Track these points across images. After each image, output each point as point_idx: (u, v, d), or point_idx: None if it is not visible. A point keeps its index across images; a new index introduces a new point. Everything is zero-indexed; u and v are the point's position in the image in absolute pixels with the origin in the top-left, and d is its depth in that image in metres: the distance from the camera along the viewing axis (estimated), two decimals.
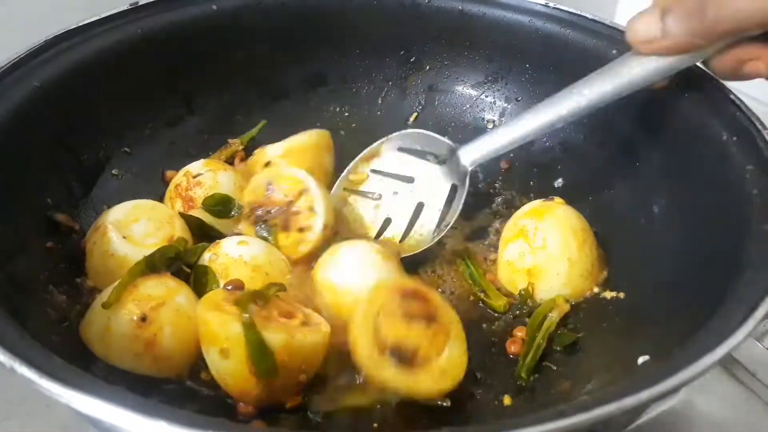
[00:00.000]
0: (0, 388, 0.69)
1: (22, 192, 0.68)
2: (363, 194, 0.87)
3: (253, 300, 0.61)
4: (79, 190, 0.78)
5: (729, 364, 0.77)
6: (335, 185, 0.87)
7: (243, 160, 0.93)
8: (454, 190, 0.83)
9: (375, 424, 0.62)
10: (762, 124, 0.66)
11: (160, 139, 0.89)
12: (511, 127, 0.76)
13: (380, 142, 0.87)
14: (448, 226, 0.81)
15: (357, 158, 0.87)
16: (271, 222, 0.78)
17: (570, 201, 0.83)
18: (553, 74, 0.91)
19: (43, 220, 0.71)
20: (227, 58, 0.93)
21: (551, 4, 0.90)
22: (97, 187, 0.80)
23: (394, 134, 0.87)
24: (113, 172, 0.83)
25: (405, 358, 0.60)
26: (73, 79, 0.76)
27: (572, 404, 0.41)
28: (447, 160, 0.83)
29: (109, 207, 0.79)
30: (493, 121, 0.99)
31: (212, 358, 0.60)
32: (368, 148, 0.87)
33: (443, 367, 0.61)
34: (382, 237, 0.84)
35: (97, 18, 0.81)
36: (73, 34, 0.78)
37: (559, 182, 0.90)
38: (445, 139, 0.84)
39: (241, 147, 0.94)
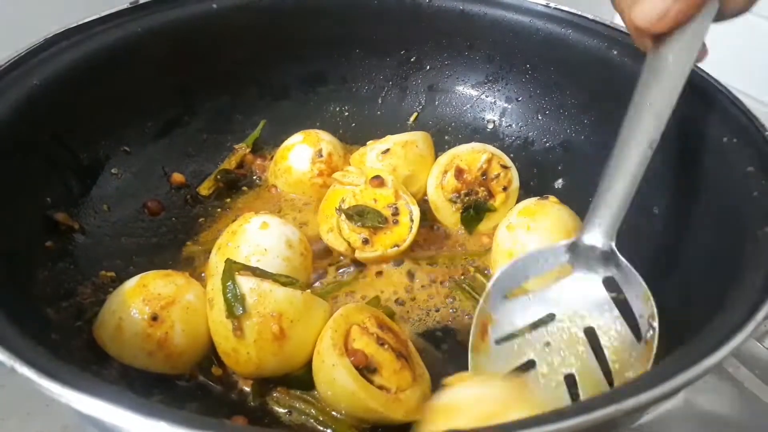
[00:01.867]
0: (0, 388, 0.69)
1: (22, 191, 0.68)
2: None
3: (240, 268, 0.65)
4: (79, 189, 0.78)
5: (729, 364, 0.77)
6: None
7: (251, 162, 0.94)
8: (611, 283, 0.63)
9: None
10: (762, 124, 0.66)
11: (159, 139, 0.89)
12: (619, 171, 0.62)
13: (480, 309, 0.64)
14: (655, 326, 0.59)
15: (470, 340, 0.63)
16: (478, 197, 0.85)
17: (570, 201, 0.83)
18: (553, 74, 0.91)
19: (42, 219, 0.71)
20: (227, 57, 0.93)
21: (552, 5, 0.90)
22: (97, 186, 0.80)
23: (490, 283, 0.65)
24: (113, 171, 0.83)
25: (364, 368, 0.60)
26: (72, 78, 0.76)
27: (571, 406, 0.41)
28: (575, 259, 0.64)
29: (109, 206, 0.79)
30: (494, 121, 0.99)
31: (211, 319, 0.64)
32: (473, 324, 0.63)
33: (401, 399, 0.60)
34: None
35: (97, 17, 0.80)
36: (72, 33, 0.78)
37: (559, 182, 0.90)
38: (555, 247, 0.64)
39: (248, 150, 0.94)
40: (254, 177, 0.94)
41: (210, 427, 0.40)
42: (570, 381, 0.61)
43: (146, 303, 0.63)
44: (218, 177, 0.91)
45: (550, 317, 0.63)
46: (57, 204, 0.73)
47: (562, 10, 0.89)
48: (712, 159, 0.68)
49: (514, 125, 0.97)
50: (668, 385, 0.43)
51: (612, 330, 0.61)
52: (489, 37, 0.94)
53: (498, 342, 0.63)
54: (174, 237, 0.83)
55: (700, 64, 0.75)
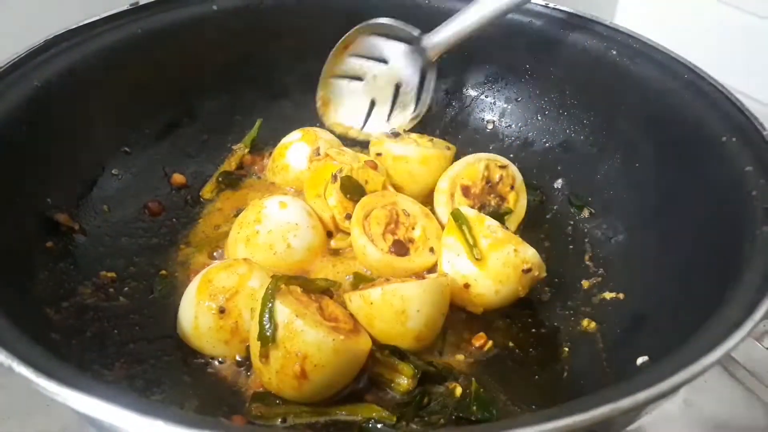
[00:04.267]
0: (0, 388, 0.69)
1: (22, 191, 0.68)
2: (347, 78, 0.96)
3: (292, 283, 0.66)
4: (79, 190, 0.78)
5: (729, 364, 0.77)
6: (321, 75, 0.94)
7: (250, 162, 0.94)
8: (424, 75, 0.93)
9: None
10: (761, 124, 0.66)
11: (159, 139, 0.89)
12: (468, 12, 0.85)
13: (353, 30, 0.92)
14: (425, 108, 0.93)
15: (336, 46, 0.93)
16: (492, 206, 0.85)
17: (570, 201, 0.84)
18: (553, 75, 0.91)
19: (43, 220, 0.71)
20: (227, 57, 0.93)
21: (551, 5, 0.90)
22: (97, 187, 0.80)
23: (364, 23, 0.92)
24: (113, 171, 0.83)
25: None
26: (73, 79, 0.76)
27: (570, 405, 0.41)
28: (414, 43, 0.92)
29: (109, 207, 0.79)
30: (493, 122, 0.99)
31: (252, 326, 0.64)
32: (343, 37, 0.92)
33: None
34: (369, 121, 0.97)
35: (98, 18, 0.81)
36: (73, 34, 0.78)
37: (559, 182, 0.90)
38: (409, 27, 0.91)
39: (246, 150, 0.95)
40: (254, 176, 0.94)
41: (208, 426, 0.40)
42: (372, 105, 0.98)
43: (212, 298, 0.67)
44: (219, 179, 0.91)
45: (385, 61, 0.95)
46: (57, 205, 0.73)
47: (562, 11, 0.89)
48: (712, 158, 0.68)
49: (513, 126, 0.97)
50: (666, 383, 0.43)
51: (408, 93, 0.96)
52: (488, 37, 0.94)
53: (352, 56, 0.95)
54: (174, 237, 0.83)
55: (700, 64, 0.75)
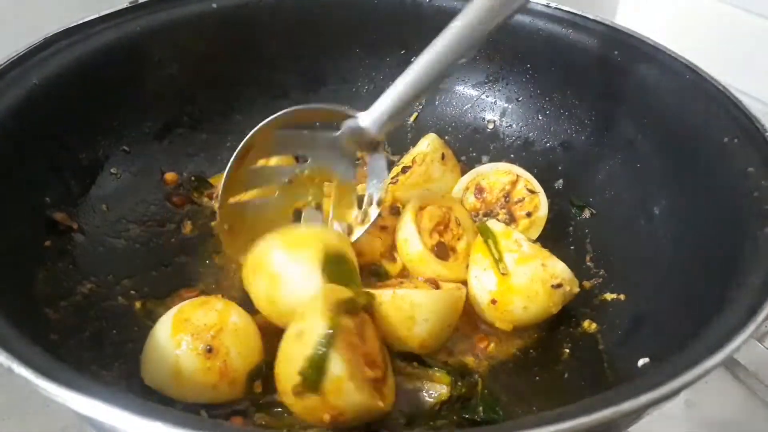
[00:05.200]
0: (0, 388, 0.69)
1: (21, 190, 0.68)
2: (254, 194, 0.77)
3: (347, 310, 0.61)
4: (78, 189, 0.77)
5: (729, 364, 0.77)
6: (219, 201, 0.75)
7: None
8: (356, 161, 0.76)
9: None
10: (762, 125, 0.66)
11: (159, 139, 0.89)
12: (405, 78, 0.68)
13: (254, 131, 0.74)
14: (375, 212, 0.75)
15: (231, 161, 0.74)
16: (498, 219, 0.82)
17: (571, 202, 0.83)
18: (554, 75, 0.91)
19: (42, 219, 0.71)
20: (227, 57, 0.93)
21: (553, 5, 0.89)
22: (96, 186, 0.80)
23: (269, 119, 0.74)
24: (112, 171, 0.82)
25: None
26: (72, 78, 0.75)
27: (571, 408, 0.41)
28: (343, 127, 0.73)
29: (108, 206, 0.79)
30: (494, 122, 0.98)
31: (287, 346, 0.60)
32: (242, 143, 0.74)
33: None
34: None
35: (97, 16, 0.80)
36: (72, 32, 0.77)
37: (559, 183, 0.90)
38: (335, 106, 0.74)
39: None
40: None
41: (207, 427, 0.40)
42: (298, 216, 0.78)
43: (196, 337, 0.61)
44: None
45: (304, 159, 0.78)
46: (56, 204, 0.73)
47: (563, 10, 0.88)
48: (712, 159, 0.68)
49: (514, 125, 0.97)
50: (668, 386, 0.43)
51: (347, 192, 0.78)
52: (489, 36, 0.93)
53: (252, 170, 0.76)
54: (175, 238, 0.83)
55: (700, 65, 0.75)
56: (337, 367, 0.56)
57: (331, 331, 0.57)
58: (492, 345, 0.72)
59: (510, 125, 0.97)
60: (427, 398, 0.65)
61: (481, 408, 0.63)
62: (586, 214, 0.86)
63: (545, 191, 0.87)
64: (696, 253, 0.66)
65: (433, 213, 0.78)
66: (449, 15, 0.89)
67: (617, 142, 0.83)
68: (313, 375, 0.56)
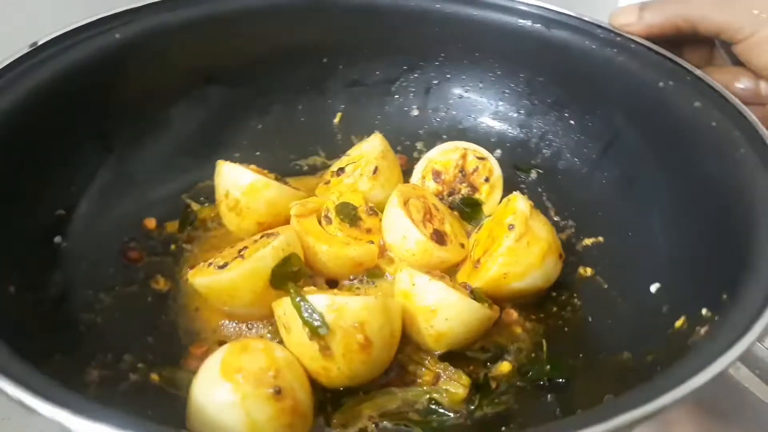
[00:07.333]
0: None
1: (19, 191, 0.68)
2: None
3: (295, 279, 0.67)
4: (76, 189, 0.77)
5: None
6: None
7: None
8: None
9: None
10: (763, 128, 0.66)
11: (159, 139, 0.88)
12: None
13: None
14: None
15: None
16: (461, 194, 0.86)
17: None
18: (551, 77, 0.91)
19: (38, 220, 0.70)
20: (227, 57, 0.92)
21: (549, 6, 0.89)
22: (96, 186, 0.79)
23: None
24: (110, 170, 0.81)
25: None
26: (71, 78, 0.75)
27: (589, 413, 0.41)
28: None
29: (107, 206, 0.78)
30: (488, 123, 0.98)
31: (292, 343, 0.64)
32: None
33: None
34: None
35: (98, 17, 0.79)
36: (72, 34, 0.76)
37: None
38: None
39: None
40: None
41: None
42: None
43: (259, 383, 0.57)
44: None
45: None
46: (55, 204, 0.73)
47: (562, 13, 0.88)
48: (714, 160, 0.68)
49: (510, 128, 0.97)
50: (671, 395, 0.43)
51: None
52: (485, 39, 0.93)
53: None
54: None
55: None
56: (320, 302, 0.61)
57: (292, 290, 0.64)
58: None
59: (506, 127, 0.97)
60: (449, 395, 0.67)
61: (548, 367, 0.68)
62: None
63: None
64: (697, 254, 0.67)
65: (417, 204, 0.79)
66: (448, 18, 0.90)
67: (617, 144, 0.84)
68: (315, 324, 0.61)
